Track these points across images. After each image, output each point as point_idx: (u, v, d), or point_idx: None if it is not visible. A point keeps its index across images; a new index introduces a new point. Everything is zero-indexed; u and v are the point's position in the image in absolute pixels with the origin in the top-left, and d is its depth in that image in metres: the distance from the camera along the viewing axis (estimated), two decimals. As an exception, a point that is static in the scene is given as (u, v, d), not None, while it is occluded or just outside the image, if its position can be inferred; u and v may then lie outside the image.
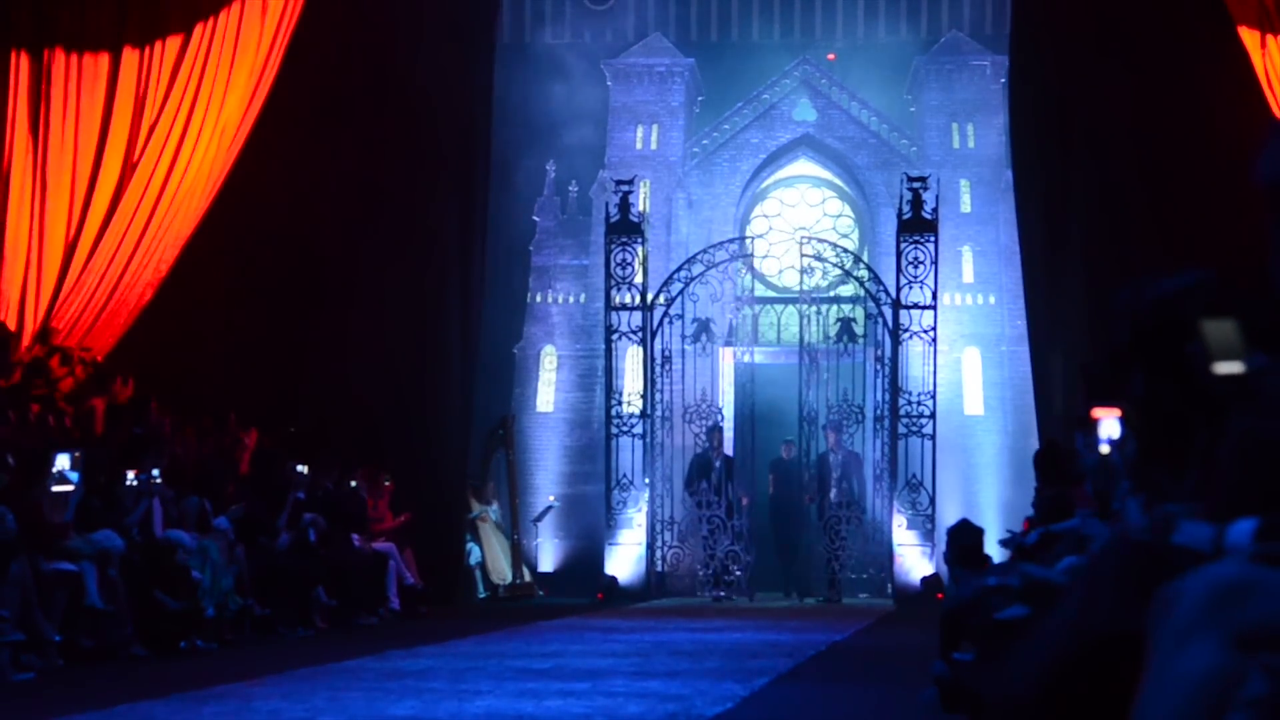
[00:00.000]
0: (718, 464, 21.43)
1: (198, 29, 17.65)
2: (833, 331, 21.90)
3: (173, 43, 17.53)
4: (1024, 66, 20.89)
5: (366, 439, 18.65)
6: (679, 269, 22.02)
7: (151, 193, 17.45)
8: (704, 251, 22.29)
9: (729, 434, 24.58)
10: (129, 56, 17.28)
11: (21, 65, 16.70)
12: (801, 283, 22.32)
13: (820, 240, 23.08)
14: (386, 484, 18.47)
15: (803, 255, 22.16)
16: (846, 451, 21.40)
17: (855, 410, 21.58)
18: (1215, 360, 1.95)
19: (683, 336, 21.74)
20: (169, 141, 17.54)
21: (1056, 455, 9.88)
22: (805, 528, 21.75)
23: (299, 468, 16.21)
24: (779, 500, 22.05)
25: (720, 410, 22.23)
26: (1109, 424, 3.64)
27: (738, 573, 21.30)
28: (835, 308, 22.27)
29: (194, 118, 17.64)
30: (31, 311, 16.91)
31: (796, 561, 21.81)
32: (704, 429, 21.66)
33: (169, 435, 15.47)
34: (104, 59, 17.15)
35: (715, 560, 21.21)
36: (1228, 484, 2.13)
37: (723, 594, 20.83)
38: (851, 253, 22.62)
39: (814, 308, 22.25)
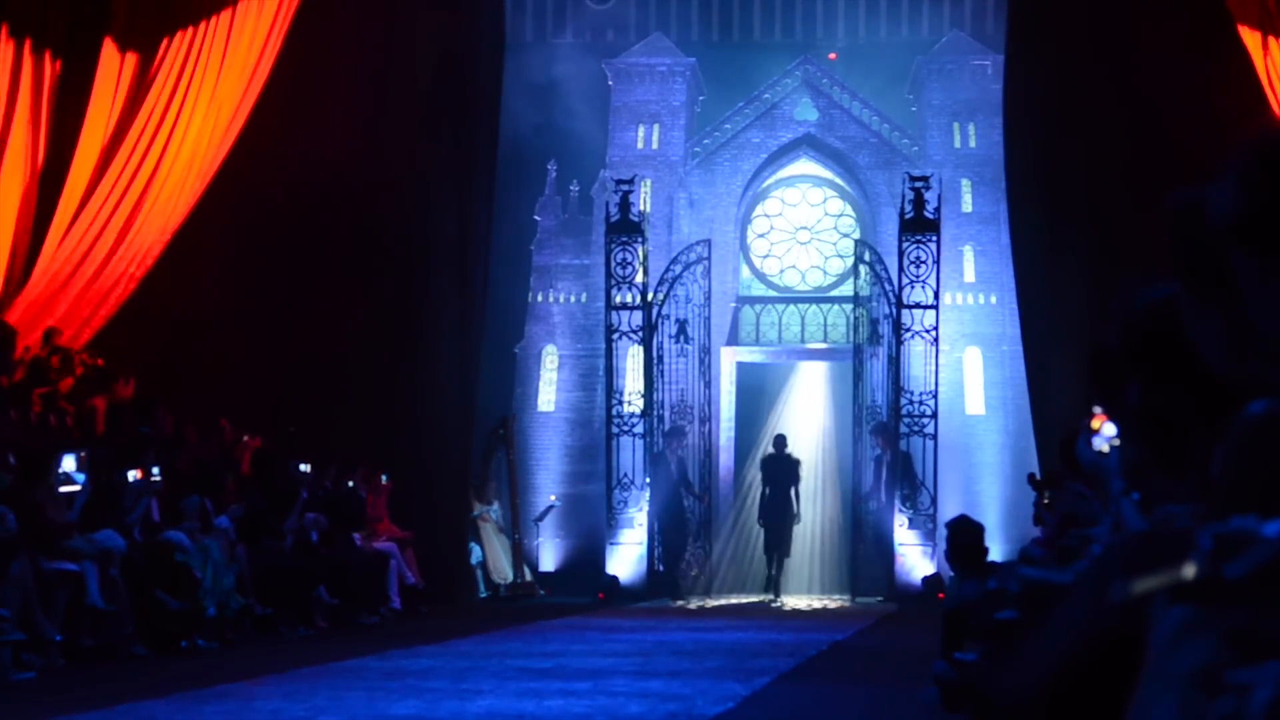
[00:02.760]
0: (674, 466, 21.45)
1: (191, 22, 17.57)
2: (855, 333, 22.13)
3: (173, 35, 17.45)
4: (1021, 65, 20.87)
5: (366, 438, 18.65)
6: (666, 269, 22.14)
7: (139, 182, 17.32)
8: (682, 252, 22.56)
9: (730, 433, 24.68)
10: (115, 47, 17.19)
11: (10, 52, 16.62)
12: (855, 285, 22.47)
13: (863, 242, 23.11)
14: (384, 483, 18.48)
15: (858, 260, 22.33)
16: (899, 452, 21.36)
17: (877, 410, 21.72)
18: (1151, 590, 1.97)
19: (670, 337, 21.87)
20: (159, 132, 17.42)
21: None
22: (794, 526, 21.82)
23: (302, 467, 16.22)
24: (768, 499, 21.96)
25: (691, 410, 22.31)
26: (1109, 424, 3.65)
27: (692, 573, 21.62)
28: (861, 308, 22.40)
29: (184, 109, 17.54)
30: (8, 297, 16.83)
31: (784, 562, 21.84)
32: (664, 429, 21.74)
33: (172, 435, 15.48)
34: (93, 47, 17.06)
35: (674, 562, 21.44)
36: (1234, 477, 2.13)
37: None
38: (876, 251, 22.53)
39: (839, 308, 22.48)
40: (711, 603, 20.70)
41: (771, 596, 21.26)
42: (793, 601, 21.24)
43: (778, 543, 21.73)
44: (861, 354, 22.10)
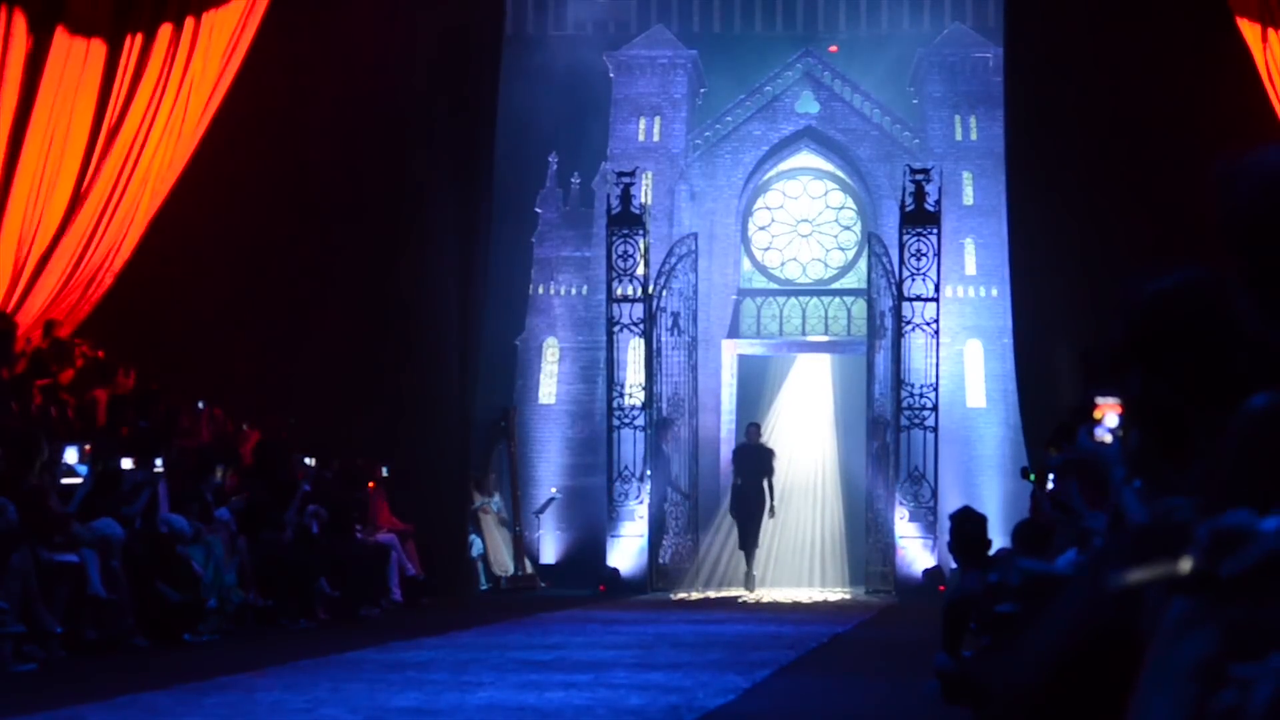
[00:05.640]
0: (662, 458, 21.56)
1: (173, 19, 17.43)
2: (869, 325, 22.23)
3: (159, 30, 17.32)
4: (1020, 57, 20.85)
5: (367, 431, 18.66)
6: (662, 263, 22.19)
7: (125, 172, 17.22)
8: (676, 245, 22.69)
9: (731, 425, 24.68)
10: (99, 34, 17.05)
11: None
12: (870, 278, 22.48)
13: (875, 235, 23.09)
14: (384, 475, 18.48)
15: (872, 253, 22.36)
16: (887, 445, 21.45)
17: (877, 403, 21.81)
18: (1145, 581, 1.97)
19: (667, 329, 21.91)
20: (142, 120, 17.29)
21: (1070, 434, 9.87)
22: (766, 519, 21.80)
23: (306, 460, 16.22)
24: (739, 490, 21.88)
25: (684, 402, 22.37)
26: (1110, 414, 3.65)
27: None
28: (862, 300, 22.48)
29: (168, 96, 17.42)
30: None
31: (754, 554, 21.81)
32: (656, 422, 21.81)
33: (185, 427, 15.49)
34: (81, 43, 16.94)
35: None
36: (1234, 471, 2.13)
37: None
38: (884, 243, 22.50)
39: (840, 300, 22.51)
40: (690, 595, 20.73)
41: (744, 593, 21.08)
42: (777, 594, 21.24)
43: (749, 538, 21.63)
44: (872, 346, 22.19)
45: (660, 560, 21.45)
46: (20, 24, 16.44)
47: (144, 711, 7.79)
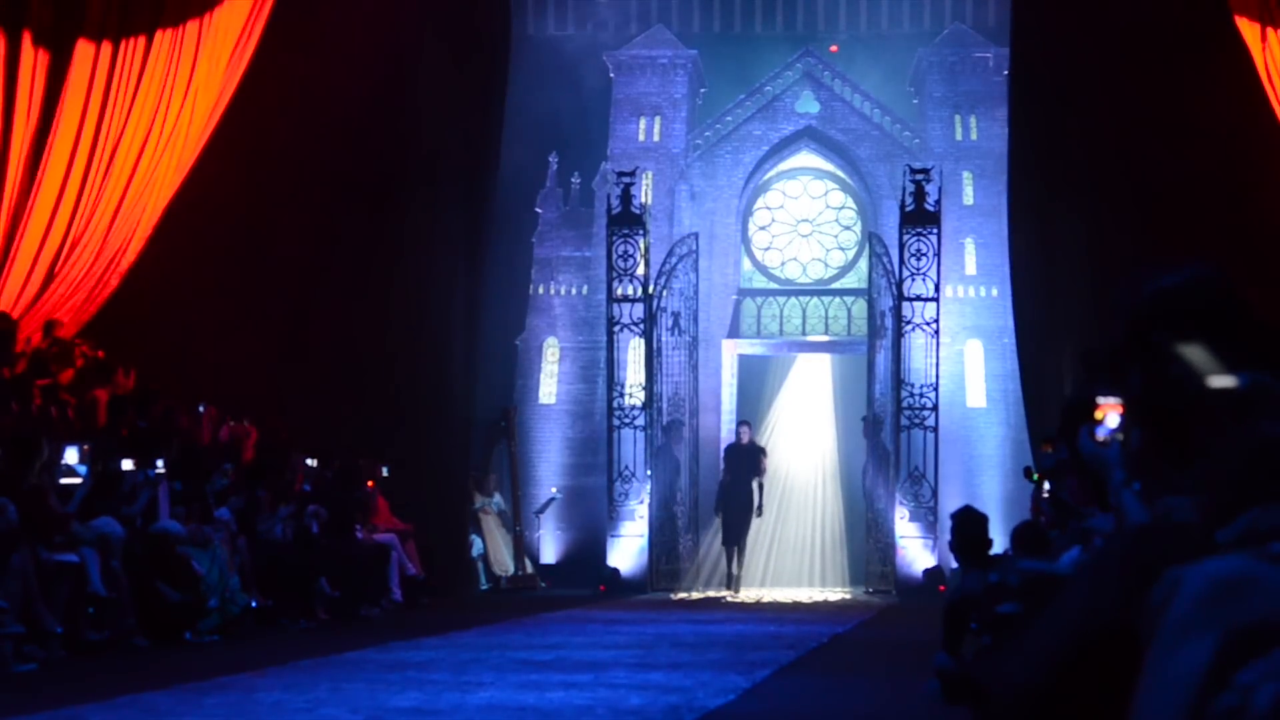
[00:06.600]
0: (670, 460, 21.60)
1: (178, 23, 17.37)
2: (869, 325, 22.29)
3: (160, 32, 17.28)
4: (1024, 58, 20.87)
5: (368, 430, 18.65)
6: (663, 262, 22.21)
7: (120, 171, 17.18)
8: (676, 245, 22.73)
9: (731, 425, 24.68)
10: (93, 38, 16.99)
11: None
12: (870, 278, 22.50)
13: (875, 235, 23.10)
14: (384, 475, 18.48)
15: (873, 253, 22.39)
16: (879, 445, 21.53)
17: (874, 403, 21.88)
18: (1207, 378, 1.98)
19: (668, 329, 21.94)
20: (138, 122, 17.26)
21: (1068, 431, 9.85)
22: (754, 520, 21.80)
23: (306, 460, 16.21)
24: (726, 489, 21.90)
25: (685, 402, 22.40)
26: (1111, 414, 3.65)
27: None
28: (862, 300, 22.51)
29: (185, 104, 17.40)
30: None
31: (743, 556, 21.81)
32: (664, 423, 21.82)
33: (186, 428, 15.47)
34: (76, 48, 16.90)
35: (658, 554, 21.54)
36: (1230, 481, 2.13)
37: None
38: (884, 243, 22.52)
39: (840, 300, 22.54)
40: (690, 595, 20.75)
41: (730, 593, 21.05)
42: (777, 594, 21.26)
43: (735, 536, 21.62)
44: (873, 346, 22.25)
45: (661, 560, 21.46)
46: (26, 31, 16.43)
47: (144, 711, 7.78)
